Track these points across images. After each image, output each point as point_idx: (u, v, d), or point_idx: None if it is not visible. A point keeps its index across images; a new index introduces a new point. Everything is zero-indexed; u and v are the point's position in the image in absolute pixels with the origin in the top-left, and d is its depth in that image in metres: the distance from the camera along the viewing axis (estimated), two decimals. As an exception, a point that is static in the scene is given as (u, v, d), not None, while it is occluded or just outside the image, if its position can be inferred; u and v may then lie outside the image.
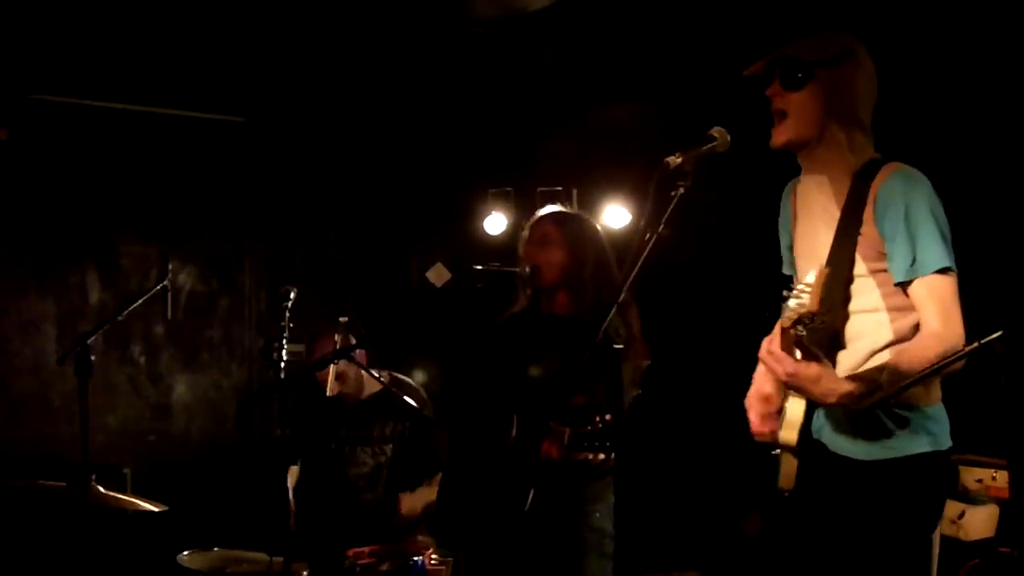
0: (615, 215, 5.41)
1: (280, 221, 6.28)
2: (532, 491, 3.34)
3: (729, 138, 2.72)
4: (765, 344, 2.64)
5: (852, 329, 2.70)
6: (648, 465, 3.72)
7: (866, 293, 2.68)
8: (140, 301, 4.44)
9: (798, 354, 2.52)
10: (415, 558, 3.93)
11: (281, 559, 3.70)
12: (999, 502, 4.26)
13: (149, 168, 5.87)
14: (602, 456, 3.05)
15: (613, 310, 2.70)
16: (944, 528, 4.13)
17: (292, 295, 3.82)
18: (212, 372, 6.14)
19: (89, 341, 3.94)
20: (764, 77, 2.79)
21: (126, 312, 4.40)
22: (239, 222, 6.17)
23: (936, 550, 2.69)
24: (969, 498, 4.26)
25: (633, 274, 2.69)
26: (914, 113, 4.09)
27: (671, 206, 2.64)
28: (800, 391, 2.59)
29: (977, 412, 4.21)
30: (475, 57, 5.34)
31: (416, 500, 4.28)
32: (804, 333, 2.48)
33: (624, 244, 3.66)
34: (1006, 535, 4.19)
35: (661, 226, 2.64)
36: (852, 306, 2.70)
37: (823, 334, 2.67)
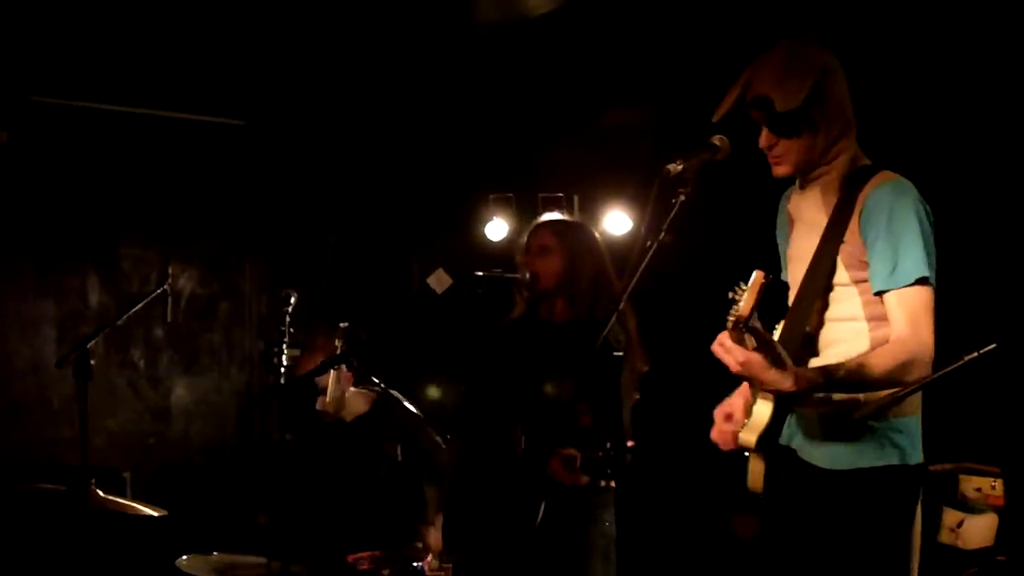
0: (616, 222, 5.42)
1: (281, 225, 6.28)
2: (543, 505, 3.35)
3: (730, 146, 2.73)
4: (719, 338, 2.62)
5: (828, 336, 2.71)
6: (647, 472, 3.72)
7: (845, 301, 2.68)
8: (140, 305, 4.42)
9: (751, 343, 2.51)
10: (415, 563, 3.93)
11: (279, 563, 3.69)
12: (998, 511, 4.25)
13: (149, 171, 5.87)
14: (613, 483, 3.06)
15: (613, 318, 2.71)
16: (943, 536, 4.13)
17: (292, 299, 3.80)
18: (212, 376, 6.14)
19: (89, 345, 3.94)
20: (738, 113, 2.76)
21: (126, 316, 4.39)
22: (240, 226, 6.17)
23: (915, 564, 2.66)
24: (968, 507, 4.25)
25: (633, 282, 2.69)
26: (907, 119, 4.10)
27: (672, 213, 2.65)
28: (752, 380, 2.58)
29: (975, 421, 4.21)
30: (477, 63, 5.34)
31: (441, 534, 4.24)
32: (743, 336, 2.47)
33: (625, 251, 3.67)
34: (1005, 544, 4.19)
35: (662, 233, 2.65)
36: (829, 313, 2.71)
37: (795, 337, 2.68)
